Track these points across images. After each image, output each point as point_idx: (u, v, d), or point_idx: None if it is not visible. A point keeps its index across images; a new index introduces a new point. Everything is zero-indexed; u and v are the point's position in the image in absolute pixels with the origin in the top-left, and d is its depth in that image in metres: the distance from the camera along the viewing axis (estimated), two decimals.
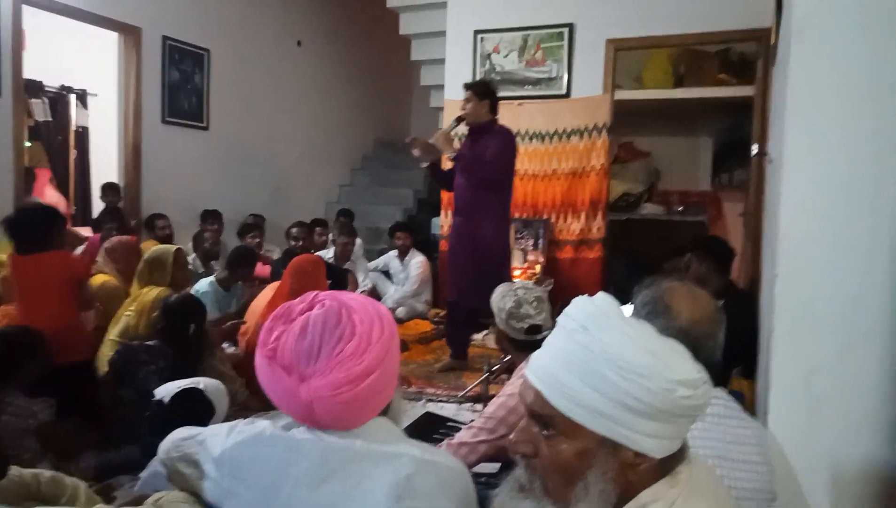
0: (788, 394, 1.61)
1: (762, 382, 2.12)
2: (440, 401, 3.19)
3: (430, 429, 2.63)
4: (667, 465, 0.85)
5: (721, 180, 6.32)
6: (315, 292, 1.20)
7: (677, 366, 0.83)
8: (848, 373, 1.51)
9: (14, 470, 1.28)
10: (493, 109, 3.69)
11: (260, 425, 1.18)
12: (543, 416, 0.86)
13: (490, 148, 3.54)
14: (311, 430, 1.13)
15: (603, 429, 0.82)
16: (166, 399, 2.07)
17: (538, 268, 4.66)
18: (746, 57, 5.47)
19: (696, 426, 0.89)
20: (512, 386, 1.98)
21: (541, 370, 0.88)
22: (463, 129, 3.80)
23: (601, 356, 0.82)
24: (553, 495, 0.87)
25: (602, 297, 0.90)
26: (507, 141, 3.64)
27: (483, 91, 3.66)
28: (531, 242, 4.82)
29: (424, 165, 3.72)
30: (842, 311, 1.53)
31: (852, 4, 1.50)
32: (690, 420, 0.85)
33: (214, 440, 1.20)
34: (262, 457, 1.12)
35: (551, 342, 0.89)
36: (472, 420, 2.15)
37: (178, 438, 1.28)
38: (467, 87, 3.71)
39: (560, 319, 0.90)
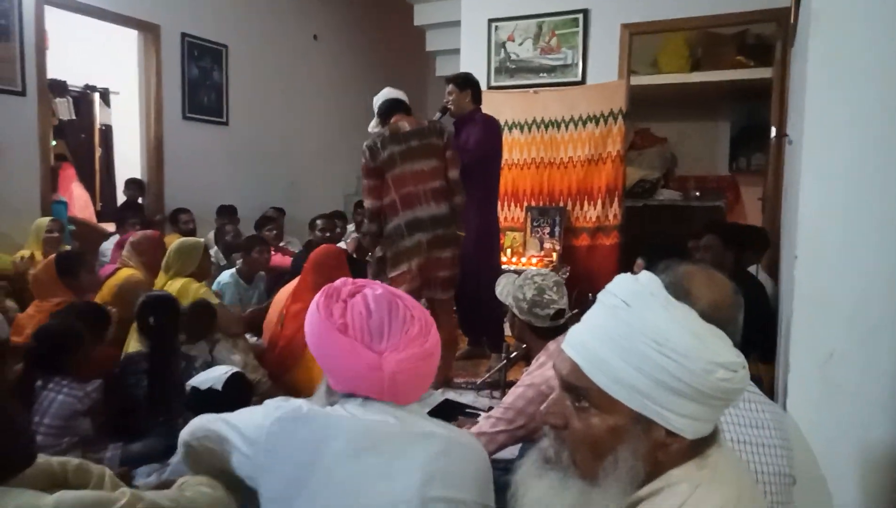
0: (806, 379, 1.60)
1: (782, 366, 2.11)
2: (458, 388, 3.24)
3: (448, 416, 2.66)
4: (697, 447, 0.86)
5: (739, 165, 6.26)
6: (353, 279, 1.28)
7: (718, 349, 0.83)
8: (865, 358, 1.50)
9: (41, 458, 1.33)
10: (476, 99, 3.81)
11: (295, 402, 1.22)
12: (579, 389, 0.87)
13: (473, 136, 3.64)
14: (345, 408, 1.18)
15: (638, 406, 0.83)
16: (217, 386, 2.14)
17: (555, 256, 4.67)
18: (764, 39, 5.39)
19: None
20: (531, 377, 1.96)
21: (579, 344, 0.88)
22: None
23: (642, 333, 0.82)
24: (581, 468, 0.88)
25: (647, 275, 0.90)
26: (490, 128, 3.74)
27: (464, 82, 3.78)
28: (547, 230, 4.83)
29: None
30: (859, 296, 1.51)
31: None
32: (725, 404, 0.85)
33: (246, 419, 1.23)
34: (298, 434, 1.16)
35: (591, 317, 0.90)
36: (490, 408, 2.17)
37: (205, 420, 1.31)
38: (448, 80, 3.82)
39: (601, 295, 0.90)
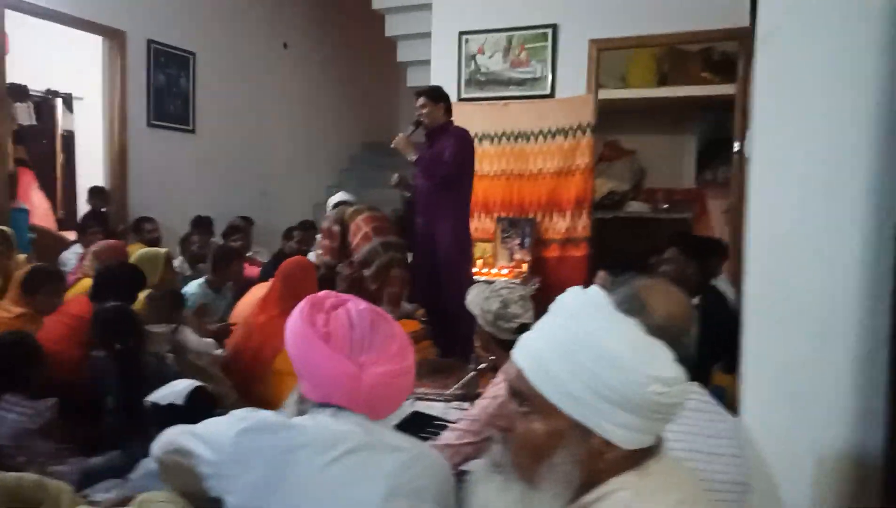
0: (762, 389, 1.63)
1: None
2: (428, 400, 3.22)
3: (417, 428, 2.64)
4: (637, 458, 0.89)
5: (705, 177, 6.38)
6: (334, 293, 1.31)
7: (655, 363, 0.86)
8: (820, 367, 1.53)
9: None
10: (448, 112, 3.86)
11: (261, 413, 1.23)
12: (522, 394, 0.91)
13: (447, 148, 3.67)
14: (313, 419, 1.19)
15: (575, 413, 0.86)
16: (178, 401, 2.09)
17: (525, 267, 4.69)
18: (728, 56, 5.53)
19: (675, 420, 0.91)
20: (496, 388, 1.95)
21: (526, 351, 0.93)
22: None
23: (583, 344, 0.86)
24: (521, 470, 0.92)
25: (595, 290, 0.94)
26: (464, 141, 3.79)
27: (436, 95, 3.83)
28: (517, 241, 4.86)
29: (413, 158, 3.79)
30: (813, 306, 1.55)
31: (817, 10, 1.53)
32: (664, 418, 0.88)
33: (211, 430, 1.23)
34: (264, 444, 1.16)
35: (540, 326, 0.94)
36: (459, 420, 2.16)
37: (173, 433, 1.31)
38: (420, 93, 3.86)
39: (553, 305, 0.95)
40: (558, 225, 4.89)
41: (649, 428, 0.88)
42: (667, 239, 3.35)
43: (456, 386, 3.26)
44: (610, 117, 5.28)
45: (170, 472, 1.32)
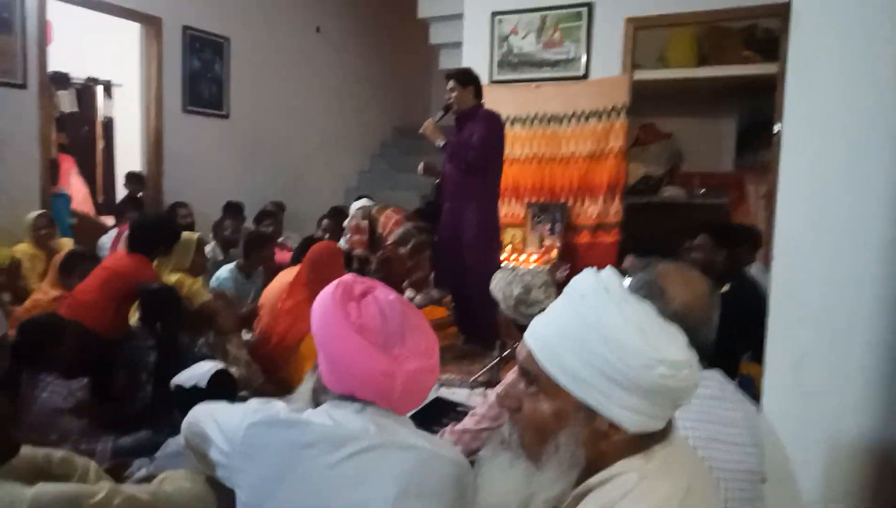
0: (780, 379, 1.61)
1: None
2: (452, 386, 3.21)
3: (439, 414, 2.65)
4: (644, 442, 0.88)
5: (745, 162, 6.18)
6: (363, 278, 1.26)
7: (663, 346, 0.85)
8: (835, 360, 1.52)
9: (26, 450, 1.34)
10: (478, 95, 3.79)
11: (275, 406, 1.21)
12: (530, 373, 0.92)
13: (476, 132, 3.62)
14: (328, 414, 1.16)
15: (580, 394, 0.86)
16: (201, 383, 2.14)
17: (554, 253, 4.63)
18: (772, 33, 5.31)
19: (687, 406, 0.91)
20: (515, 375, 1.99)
21: (535, 331, 0.93)
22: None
23: (591, 326, 0.86)
24: (527, 449, 0.93)
25: (608, 271, 0.93)
26: (493, 124, 3.72)
27: (465, 78, 3.76)
28: (548, 226, 4.79)
29: (441, 144, 3.76)
30: (832, 297, 1.53)
31: None
32: (672, 402, 0.87)
33: (228, 418, 1.23)
34: (273, 440, 1.15)
35: (552, 308, 0.94)
36: (477, 406, 2.15)
37: (197, 414, 1.32)
38: (449, 76, 3.79)
39: (566, 288, 0.94)
40: (590, 210, 4.80)
41: (656, 412, 0.86)
42: (698, 226, 3.27)
43: (480, 373, 3.25)
44: (646, 99, 5.14)
45: (193, 452, 1.33)
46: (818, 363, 1.54)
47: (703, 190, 5.90)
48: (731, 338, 1.80)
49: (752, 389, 1.85)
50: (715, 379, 1.32)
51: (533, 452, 0.91)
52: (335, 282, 1.23)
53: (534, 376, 0.91)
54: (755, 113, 5.95)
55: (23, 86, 4.47)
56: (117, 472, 1.91)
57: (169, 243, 3.19)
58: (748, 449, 1.25)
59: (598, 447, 0.87)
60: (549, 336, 0.90)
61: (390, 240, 4.62)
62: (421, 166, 4.00)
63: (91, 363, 2.49)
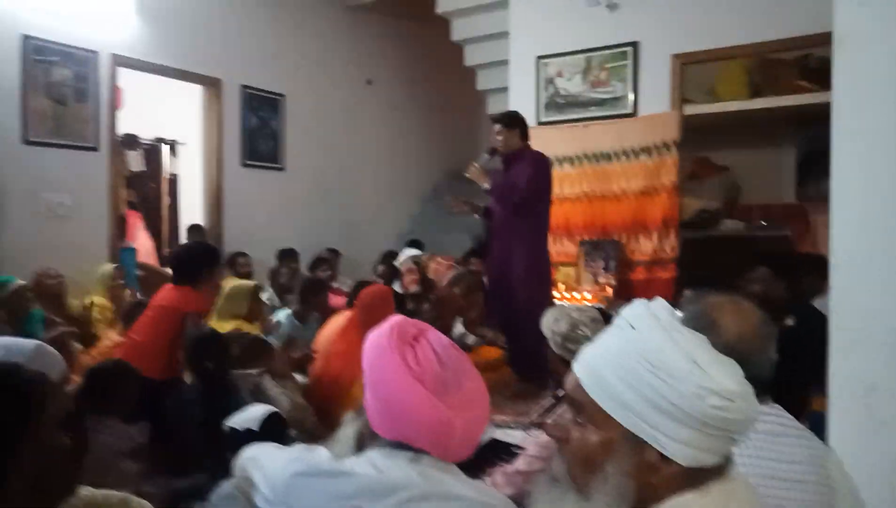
0: (847, 413, 1.52)
1: None
2: (507, 427, 3.15)
3: (493, 455, 2.59)
4: (699, 478, 0.84)
5: (808, 192, 5.95)
6: (413, 321, 1.24)
7: (716, 376, 0.81)
8: None
9: (86, 490, 1.36)
10: (524, 136, 3.82)
11: (319, 454, 1.19)
12: (577, 402, 0.90)
13: (523, 173, 3.64)
14: (372, 463, 1.13)
15: (630, 424, 0.84)
16: (254, 426, 2.17)
17: (609, 290, 4.54)
18: (826, 62, 5.16)
19: (744, 443, 0.88)
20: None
21: (584, 360, 0.91)
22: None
23: (639, 353, 0.84)
24: (575, 480, 0.90)
25: (659, 301, 0.91)
26: (540, 164, 3.75)
27: (511, 121, 3.81)
28: (601, 264, 4.72)
29: (487, 187, 3.79)
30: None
31: (891, 13, 1.41)
32: (726, 435, 0.83)
33: (272, 464, 1.22)
34: (319, 489, 1.13)
35: (602, 337, 0.93)
36: (529, 446, 2.11)
37: (245, 458, 1.33)
38: (495, 120, 3.85)
39: (616, 318, 0.93)
40: (644, 246, 4.72)
41: (710, 446, 0.82)
42: (758, 257, 3.15)
43: (535, 414, 3.17)
44: (699, 133, 5.06)
45: (242, 495, 1.32)
46: (887, 395, 1.45)
47: (764, 222, 5.70)
48: (797, 372, 1.71)
49: (822, 426, 1.75)
50: (774, 414, 1.26)
51: (581, 483, 0.89)
52: (387, 324, 1.20)
53: (581, 405, 0.89)
54: (814, 142, 5.75)
55: (95, 148, 4.77)
56: None
57: (210, 264, 3.21)
58: (813, 487, 1.19)
59: (648, 480, 0.84)
60: (596, 364, 0.88)
61: (444, 281, 4.66)
62: (448, 202, 4.09)
63: (147, 406, 2.56)
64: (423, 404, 1.09)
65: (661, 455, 0.82)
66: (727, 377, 0.82)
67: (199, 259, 3.20)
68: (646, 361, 0.82)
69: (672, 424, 0.81)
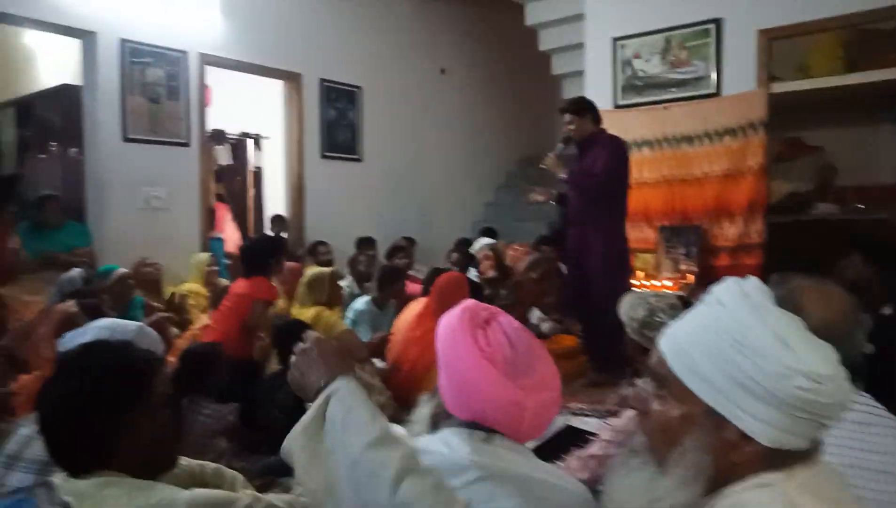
0: None
1: None
2: (583, 415, 3.13)
3: (569, 441, 2.59)
4: (782, 459, 0.82)
5: None
6: (485, 305, 1.25)
7: (806, 357, 0.80)
8: None
9: (185, 461, 1.47)
10: (596, 121, 3.77)
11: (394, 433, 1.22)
12: (659, 376, 0.90)
13: (599, 159, 3.59)
14: (445, 441, 1.15)
15: (711, 400, 0.83)
16: None
17: (690, 277, 4.40)
18: None
19: (830, 431, 0.85)
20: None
21: (670, 336, 0.91)
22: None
23: (726, 330, 0.83)
24: (653, 453, 0.91)
25: (752, 280, 0.90)
26: (616, 149, 3.68)
27: (579, 108, 3.77)
28: (682, 250, 4.58)
29: (563, 176, 3.75)
30: None
31: None
32: (813, 419, 0.80)
33: None
34: None
35: (690, 314, 0.92)
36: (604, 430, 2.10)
37: None
38: (563, 110, 3.81)
39: (705, 295, 0.92)
40: (728, 232, 4.54)
41: (795, 429, 0.81)
42: (850, 242, 2.97)
43: (612, 402, 3.14)
44: (789, 113, 4.80)
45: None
46: None
47: (861, 205, 5.35)
48: (893, 362, 1.62)
49: None
50: (863, 403, 1.21)
51: (659, 455, 0.89)
52: (459, 307, 1.22)
53: (663, 378, 0.89)
54: None
55: (186, 144, 5.04)
56: (262, 491, 2.05)
57: (277, 254, 3.49)
58: None
59: (727, 457, 0.83)
60: (681, 339, 0.88)
61: (522, 266, 4.66)
62: (532, 196, 4.21)
63: (237, 388, 2.71)
64: (494, 384, 1.11)
65: (742, 433, 0.81)
66: (818, 359, 0.80)
67: (266, 250, 3.46)
68: (732, 338, 0.82)
69: (755, 402, 0.80)
